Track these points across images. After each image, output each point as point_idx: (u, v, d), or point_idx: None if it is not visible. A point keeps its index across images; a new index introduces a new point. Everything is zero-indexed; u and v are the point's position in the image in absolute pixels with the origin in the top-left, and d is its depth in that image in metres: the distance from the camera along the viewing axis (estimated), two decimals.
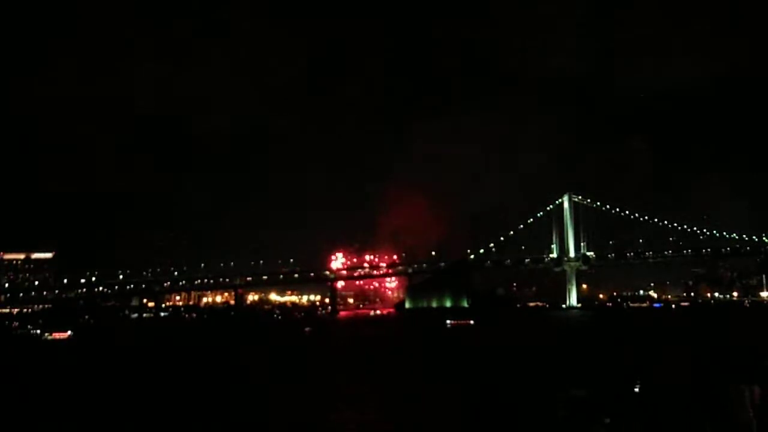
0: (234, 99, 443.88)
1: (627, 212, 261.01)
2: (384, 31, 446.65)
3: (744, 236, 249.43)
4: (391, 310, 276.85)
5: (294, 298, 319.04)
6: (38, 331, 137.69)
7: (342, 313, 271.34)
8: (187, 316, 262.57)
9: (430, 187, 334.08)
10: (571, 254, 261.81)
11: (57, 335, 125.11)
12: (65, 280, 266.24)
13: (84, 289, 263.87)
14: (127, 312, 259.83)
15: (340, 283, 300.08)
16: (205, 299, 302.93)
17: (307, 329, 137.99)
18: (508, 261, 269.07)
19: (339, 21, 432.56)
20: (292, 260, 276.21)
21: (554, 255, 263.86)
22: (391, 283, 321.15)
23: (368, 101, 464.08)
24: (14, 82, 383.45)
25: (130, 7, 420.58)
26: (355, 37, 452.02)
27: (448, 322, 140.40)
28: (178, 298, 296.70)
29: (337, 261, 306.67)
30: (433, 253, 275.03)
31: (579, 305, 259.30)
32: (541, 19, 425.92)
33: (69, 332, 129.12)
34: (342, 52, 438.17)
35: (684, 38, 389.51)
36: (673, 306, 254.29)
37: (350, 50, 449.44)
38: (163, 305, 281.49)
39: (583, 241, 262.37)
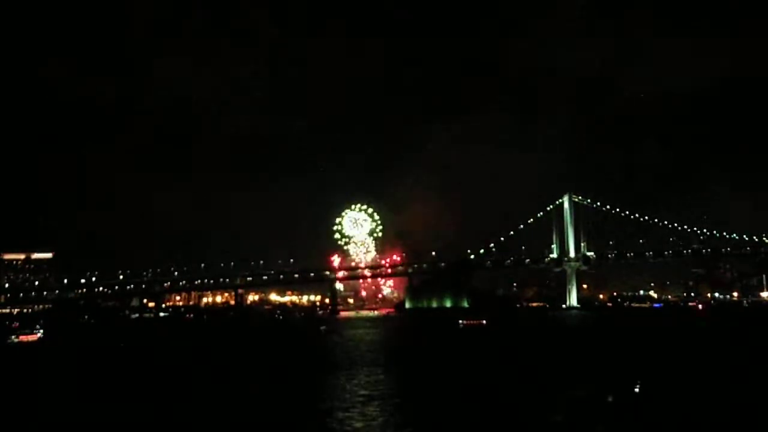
0: (239, 100, 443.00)
1: (627, 212, 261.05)
2: (390, 33, 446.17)
3: (744, 236, 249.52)
4: (392, 310, 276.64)
5: (294, 298, 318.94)
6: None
7: (342, 313, 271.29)
8: (187, 315, 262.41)
9: (433, 188, 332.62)
10: (572, 254, 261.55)
11: (25, 338, 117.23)
12: (65, 280, 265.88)
13: (84, 289, 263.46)
14: (127, 312, 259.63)
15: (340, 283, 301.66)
16: (205, 299, 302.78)
17: (322, 328, 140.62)
18: (509, 261, 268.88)
19: (346, 23, 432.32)
20: (292, 260, 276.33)
21: (554, 255, 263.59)
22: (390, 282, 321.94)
23: (373, 103, 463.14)
24: (16, 80, 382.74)
25: (148, 7, 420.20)
26: (363, 38, 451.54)
27: (460, 322, 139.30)
28: (178, 298, 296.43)
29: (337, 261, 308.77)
30: (434, 253, 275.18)
31: (579, 305, 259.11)
32: (546, 21, 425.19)
33: (39, 334, 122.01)
34: (350, 54, 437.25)
35: (685, 40, 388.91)
36: (700, 306, 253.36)
37: (359, 51, 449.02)
38: (163, 305, 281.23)
39: (583, 242, 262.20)
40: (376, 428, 34.75)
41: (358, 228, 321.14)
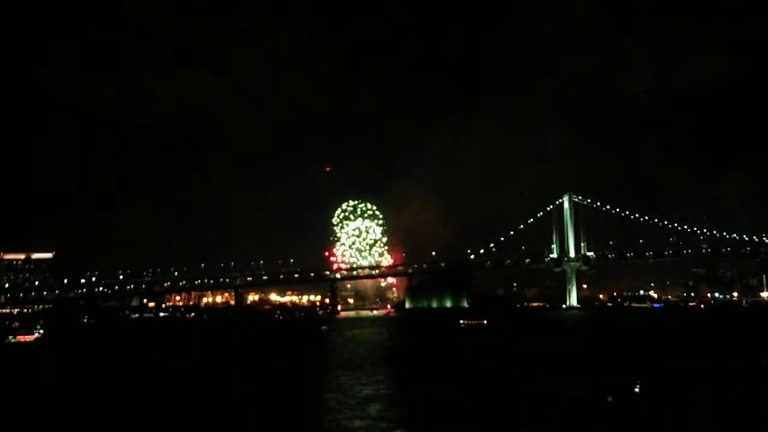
0: (239, 100, 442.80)
1: (627, 212, 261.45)
2: (391, 33, 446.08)
3: (744, 236, 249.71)
4: (392, 310, 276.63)
5: (294, 298, 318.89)
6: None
7: (342, 313, 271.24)
8: (188, 315, 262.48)
9: (433, 188, 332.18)
10: (572, 254, 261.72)
11: (22, 338, 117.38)
12: (65, 280, 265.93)
13: (84, 289, 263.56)
14: (127, 312, 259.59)
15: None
16: (205, 299, 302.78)
17: (324, 327, 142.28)
18: (509, 261, 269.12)
19: (346, 23, 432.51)
20: (292, 260, 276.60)
21: (554, 255, 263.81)
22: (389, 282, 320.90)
23: (373, 102, 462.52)
24: (16, 80, 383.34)
25: (148, 7, 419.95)
26: (363, 38, 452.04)
27: (461, 322, 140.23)
28: (178, 298, 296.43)
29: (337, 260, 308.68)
30: (434, 253, 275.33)
31: (579, 306, 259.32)
32: (545, 21, 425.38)
33: (36, 335, 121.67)
34: (354, 54, 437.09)
35: (685, 40, 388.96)
36: (702, 306, 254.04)
37: (362, 53, 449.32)
38: (164, 305, 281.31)
39: (583, 242, 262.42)
40: (377, 428, 34.80)
41: (363, 236, 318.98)
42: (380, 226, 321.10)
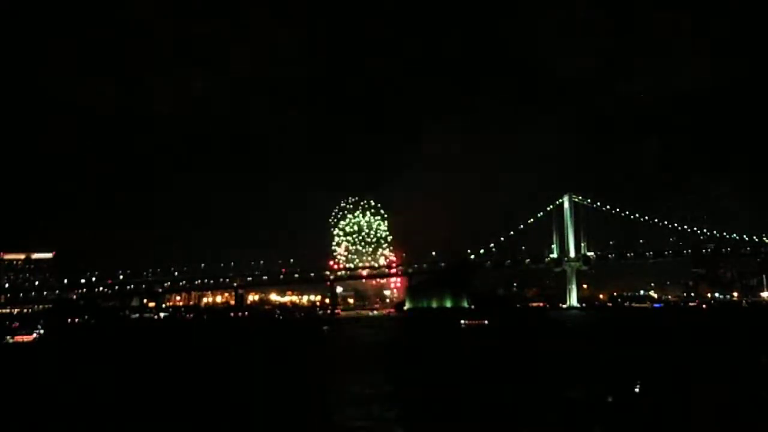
0: (239, 100, 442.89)
1: (627, 212, 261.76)
2: (391, 33, 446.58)
3: (744, 236, 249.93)
4: (392, 310, 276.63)
5: (294, 298, 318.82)
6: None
7: (342, 313, 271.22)
8: (187, 315, 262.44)
9: (433, 188, 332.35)
10: (572, 254, 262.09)
11: (20, 338, 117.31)
12: (65, 280, 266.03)
13: (84, 289, 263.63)
14: (127, 312, 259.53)
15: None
16: (205, 299, 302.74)
17: (325, 328, 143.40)
18: (509, 261, 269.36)
19: (346, 23, 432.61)
20: (292, 260, 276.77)
21: (554, 255, 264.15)
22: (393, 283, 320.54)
23: (373, 102, 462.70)
24: (16, 80, 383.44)
25: (147, 7, 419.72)
26: (363, 38, 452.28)
27: (462, 322, 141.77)
28: (178, 298, 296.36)
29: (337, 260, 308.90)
30: (434, 253, 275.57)
31: (579, 305, 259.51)
32: (546, 20, 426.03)
33: (34, 335, 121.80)
34: (356, 54, 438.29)
35: (685, 40, 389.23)
36: (703, 306, 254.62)
37: (363, 51, 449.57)
38: (164, 305, 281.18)
39: (584, 242, 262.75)
40: (378, 428, 34.82)
41: (365, 232, 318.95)
42: (383, 222, 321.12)
